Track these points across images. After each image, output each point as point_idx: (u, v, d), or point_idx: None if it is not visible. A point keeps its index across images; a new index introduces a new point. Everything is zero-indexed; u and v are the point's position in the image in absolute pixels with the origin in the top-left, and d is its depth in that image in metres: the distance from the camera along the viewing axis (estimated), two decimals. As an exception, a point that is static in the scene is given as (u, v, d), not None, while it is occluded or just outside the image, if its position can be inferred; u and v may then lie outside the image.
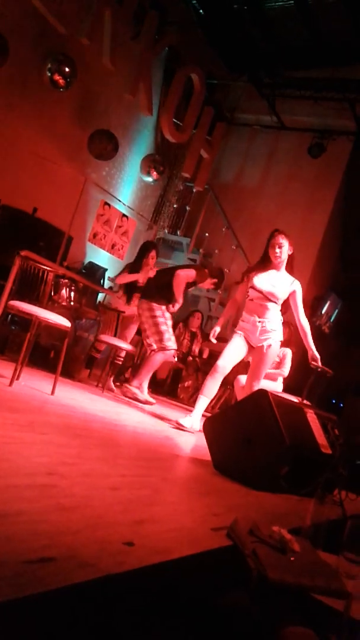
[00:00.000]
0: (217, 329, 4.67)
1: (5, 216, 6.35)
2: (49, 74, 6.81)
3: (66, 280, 6.10)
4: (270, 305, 4.26)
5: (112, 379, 5.49)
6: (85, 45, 6.73)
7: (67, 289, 6.10)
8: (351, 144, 8.66)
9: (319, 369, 4.48)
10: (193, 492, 2.26)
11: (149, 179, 8.77)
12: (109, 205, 8.39)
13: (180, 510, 1.83)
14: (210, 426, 3.03)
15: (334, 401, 9.33)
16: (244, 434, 2.79)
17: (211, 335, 4.74)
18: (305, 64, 8.45)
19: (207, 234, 9.02)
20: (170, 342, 5.08)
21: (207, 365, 7.61)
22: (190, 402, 7.06)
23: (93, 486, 1.74)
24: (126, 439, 3.18)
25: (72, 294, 6.11)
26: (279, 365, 6.02)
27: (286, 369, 5.98)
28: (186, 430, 4.16)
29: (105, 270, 7.84)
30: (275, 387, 5.70)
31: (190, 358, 7.63)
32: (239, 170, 9.70)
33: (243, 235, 8.75)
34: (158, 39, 7.55)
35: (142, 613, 1.26)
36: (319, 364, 4.38)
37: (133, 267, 5.88)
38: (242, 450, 2.76)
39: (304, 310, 4.39)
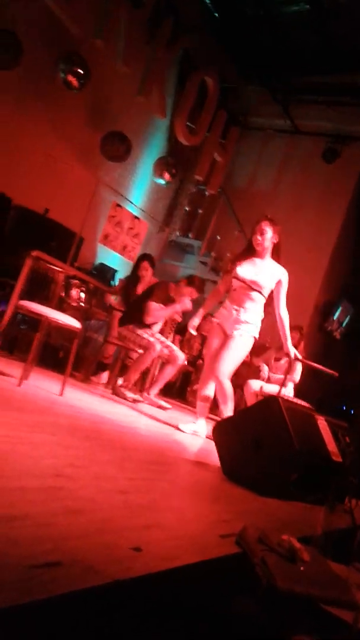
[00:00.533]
0: (197, 321, 4.44)
1: (17, 216, 6.37)
2: (63, 75, 6.83)
3: (77, 281, 6.10)
4: (253, 295, 4.06)
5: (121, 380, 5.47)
6: (99, 47, 6.75)
7: (78, 290, 6.10)
8: (365, 149, 8.61)
9: (294, 360, 4.33)
10: (201, 497, 2.24)
11: (162, 181, 8.76)
12: (120, 206, 8.40)
13: (188, 516, 1.80)
14: (220, 431, 3.00)
15: (344, 408, 9.26)
16: (254, 439, 2.76)
17: (189, 326, 4.56)
18: (320, 68, 8.42)
19: (218, 237, 8.99)
20: (151, 339, 5.01)
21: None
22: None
23: (101, 489, 1.72)
24: (134, 441, 3.16)
25: (83, 294, 6.11)
26: (288, 370, 5.98)
27: (297, 375, 5.94)
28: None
29: (116, 271, 7.85)
30: (286, 392, 5.65)
31: (200, 361, 7.60)
32: (252, 175, 9.67)
33: (255, 239, 8.71)
34: (172, 41, 7.55)
35: (149, 620, 1.23)
36: (299, 357, 4.26)
37: (129, 279, 5.96)
38: (252, 456, 2.73)
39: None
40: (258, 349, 7.53)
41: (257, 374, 6.10)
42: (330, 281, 8.80)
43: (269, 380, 5.95)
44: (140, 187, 8.81)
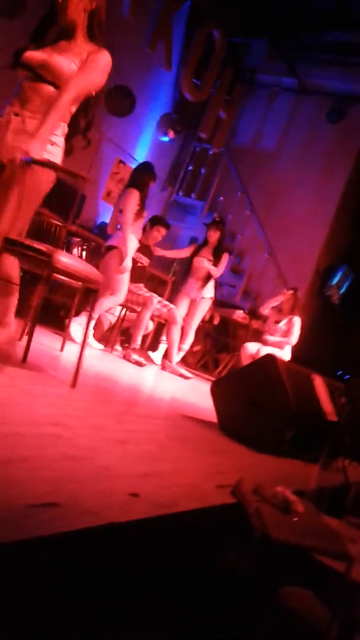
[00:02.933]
0: None
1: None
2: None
3: (78, 239, 6.05)
4: (46, 89, 2.38)
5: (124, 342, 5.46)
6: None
7: (79, 248, 6.06)
8: (372, 110, 8.42)
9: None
10: (199, 451, 2.26)
11: (166, 139, 8.60)
12: (123, 163, 8.25)
13: (186, 467, 1.82)
14: (218, 389, 3.02)
15: (339, 373, 9.30)
16: (251, 397, 2.77)
17: None
18: (328, 26, 8.16)
19: (221, 198, 8.87)
20: (146, 294, 5.11)
21: (217, 331, 7.59)
22: (197, 366, 7.07)
23: (99, 439, 1.73)
24: (134, 397, 3.18)
25: (84, 253, 6.07)
26: (286, 333, 5.98)
27: (294, 337, 5.93)
28: None
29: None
30: (283, 355, 5.65)
31: (200, 323, 7.59)
32: (256, 134, 9.48)
33: (257, 201, 8.60)
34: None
35: (145, 565, 1.26)
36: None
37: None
38: (249, 414, 2.75)
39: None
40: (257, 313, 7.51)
41: (256, 336, 6.11)
42: (330, 245, 8.72)
43: (265, 343, 5.96)
44: (144, 144, 8.64)
